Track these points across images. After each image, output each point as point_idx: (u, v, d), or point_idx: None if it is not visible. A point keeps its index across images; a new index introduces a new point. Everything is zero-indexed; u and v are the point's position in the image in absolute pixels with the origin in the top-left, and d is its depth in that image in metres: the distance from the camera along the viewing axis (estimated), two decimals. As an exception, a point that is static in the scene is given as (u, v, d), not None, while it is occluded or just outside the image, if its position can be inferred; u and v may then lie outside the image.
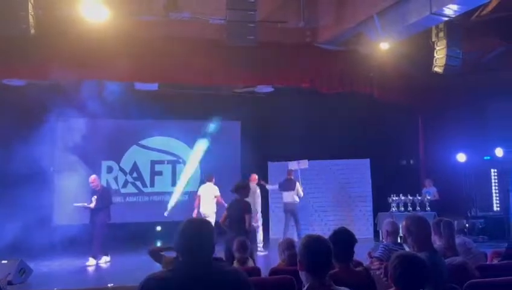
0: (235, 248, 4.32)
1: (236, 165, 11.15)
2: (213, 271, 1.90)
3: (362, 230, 10.41)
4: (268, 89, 10.05)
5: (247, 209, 5.24)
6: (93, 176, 7.95)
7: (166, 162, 11.13)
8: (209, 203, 8.30)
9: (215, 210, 8.45)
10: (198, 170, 11.34)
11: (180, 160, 11.31)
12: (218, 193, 8.34)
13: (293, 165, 9.92)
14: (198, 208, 8.25)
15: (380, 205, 10.35)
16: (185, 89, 9.96)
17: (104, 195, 7.89)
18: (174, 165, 11.27)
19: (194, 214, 7.98)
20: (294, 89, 9.26)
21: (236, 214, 5.24)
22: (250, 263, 4.32)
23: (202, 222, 2.04)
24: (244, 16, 6.11)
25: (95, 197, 7.77)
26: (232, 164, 10.97)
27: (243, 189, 5.41)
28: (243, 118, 11.15)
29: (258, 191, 8.63)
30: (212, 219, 8.03)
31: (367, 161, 10.79)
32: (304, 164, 9.95)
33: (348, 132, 10.98)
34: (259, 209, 8.39)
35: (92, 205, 7.69)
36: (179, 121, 11.05)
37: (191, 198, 10.97)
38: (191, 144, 11.35)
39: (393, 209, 9.76)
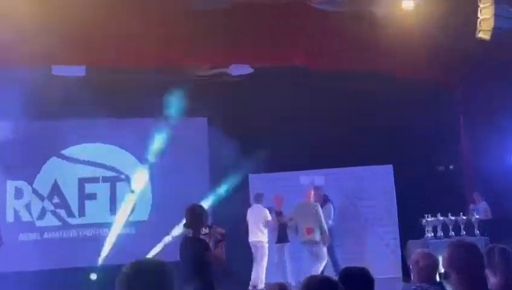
0: None
1: (203, 179, 10.98)
2: None
3: (384, 266, 10.23)
4: (246, 70, 9.96)
5: (203, 250, 5.12)
6: None
7: (101, 179, 10.95)
8: (258, 230, 9.63)
9: (267, 239, 9.84)
10: (149, 191, 11.23)
11: (122, 176, 11.15)
12: (269, 218, 9.77)
13: (305, 179, 10.06)
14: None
15: (409, 230, 10.17)
16: (126, 73, 9.73)
17: None
18: (113, 184, 11.02)
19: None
20: (281, 70, 9.13)
21: (188, 258, 5.18)
22: None
23: (154, 264, 2.05)
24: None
25: None
26: (197, 177, 10.83)
27: (195, 219, 5.26)
28: (210, 112, 10.91)
29: (318, 208, 9.43)
30: (262, 251, 9.56)
31: (389, 168, 10.69)
32: (320, 180, 10.10)
33: (358, 127, 10.68)
34: (325, 227, 9.22)
35: None
36: (120, 120, 10.77)
37: (138, 231, 10.99)
38: (137, 152, 11.11)
39: (429, 235, 9.61)
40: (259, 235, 9.90)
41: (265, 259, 9.89)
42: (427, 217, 9.79)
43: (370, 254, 10.68)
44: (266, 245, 9.96)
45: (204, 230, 5.25)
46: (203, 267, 5.15)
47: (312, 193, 9.99)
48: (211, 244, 5.24)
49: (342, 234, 10.60)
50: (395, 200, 10.82)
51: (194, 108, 10.63)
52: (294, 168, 10.90)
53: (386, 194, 10.91)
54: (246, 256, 9.98)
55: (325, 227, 9.47)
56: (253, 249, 9.91)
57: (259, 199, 10.14)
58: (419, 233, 9.85)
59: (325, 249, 9.50)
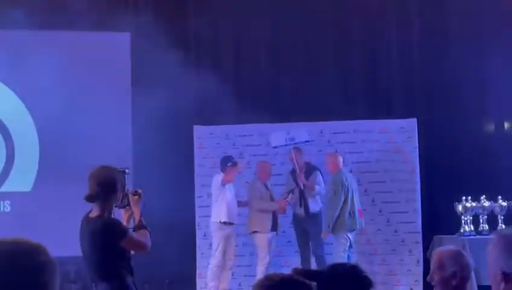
0: None
1: (122, 130, 10.56)
2: None
3: (398, 272, 10.15)
4: None
5: (117, 239, 5.06)
6: None
7: None
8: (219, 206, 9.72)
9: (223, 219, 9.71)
10: (34, 144, 10.69)
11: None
12: (218, 182, 9.66)
13: (277, 139, 10.02)
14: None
15: (436, 220, 10.07)
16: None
17: None
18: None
19: None
20: None
21: (92, 252, 5.13)
22: None
23: (22, 251, 2.06)
24: None
25: None
26: (112, 123, 10.39)
27: (104, 190, 5.12)
28: (137, 24, 10.33)
29: None
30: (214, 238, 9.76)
31: (411, 123, 10.17)
32: (302, 135, 9.99)
33: (368, 56, 10.95)
34: None
35: None
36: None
37: (16, 208, 10.67)
38: (13, 81, 10.55)
39: (466, 228, 9.48)
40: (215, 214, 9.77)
41: (217, 250, 9.63)
42: (466, 200, 9.46)
43: (376, 254, 10.22)
44: (218, 229, 9.72)
45: (120, 203, 5.24)
46: (116, 265, 5.07)
47: (293, 157, 9.81)
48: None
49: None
50: (418, 174, 10.13)
51: (109, 17, 10.21)
52: (259, 119, 10.35)
53: (404, 164, 10.25)
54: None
55: None
56: None
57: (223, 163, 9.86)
58: (452, 225, 9.62)
59: None
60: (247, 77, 10.78)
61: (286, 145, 9.93)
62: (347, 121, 10.63)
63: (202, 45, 10.99)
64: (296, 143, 9.95)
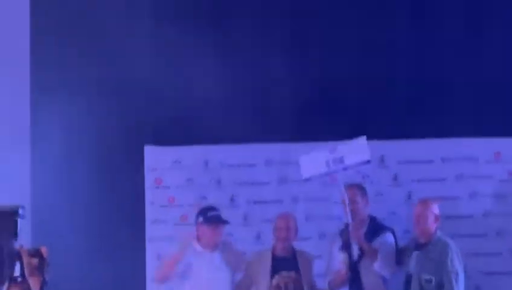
0: None
1: (15, 149, 8.52)
2: None
3: None
4: None
5: None
6: None
7: None
8: None
9: None
10: None
11: None
12: None
13: (312, 162, 7.54)
14: None
15: None
16: None
17: None
18: None
19: None
20: None
21: None
22: None
23: None
24: None
25: None
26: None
27: None
28: None
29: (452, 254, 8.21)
30: None
31: None
32: (355, 152, 7.26)
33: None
34: None
35: None
36: None
37: None
38: None
39: None
40: None
41: None
42: None
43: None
44: None
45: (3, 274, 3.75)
46: None
47: (346, 200, 6.86)
48: None
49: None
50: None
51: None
52: (270, 134, 7.46)
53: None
54: None
55: None
56: None
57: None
58: None
59: None
60: (249, 56, 7.47)
61: (328, 173, 7.21)
62: (428, 140, 7.86)
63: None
64: (345, 168, 7.18)
